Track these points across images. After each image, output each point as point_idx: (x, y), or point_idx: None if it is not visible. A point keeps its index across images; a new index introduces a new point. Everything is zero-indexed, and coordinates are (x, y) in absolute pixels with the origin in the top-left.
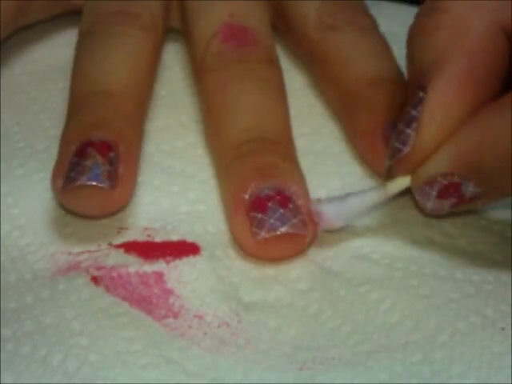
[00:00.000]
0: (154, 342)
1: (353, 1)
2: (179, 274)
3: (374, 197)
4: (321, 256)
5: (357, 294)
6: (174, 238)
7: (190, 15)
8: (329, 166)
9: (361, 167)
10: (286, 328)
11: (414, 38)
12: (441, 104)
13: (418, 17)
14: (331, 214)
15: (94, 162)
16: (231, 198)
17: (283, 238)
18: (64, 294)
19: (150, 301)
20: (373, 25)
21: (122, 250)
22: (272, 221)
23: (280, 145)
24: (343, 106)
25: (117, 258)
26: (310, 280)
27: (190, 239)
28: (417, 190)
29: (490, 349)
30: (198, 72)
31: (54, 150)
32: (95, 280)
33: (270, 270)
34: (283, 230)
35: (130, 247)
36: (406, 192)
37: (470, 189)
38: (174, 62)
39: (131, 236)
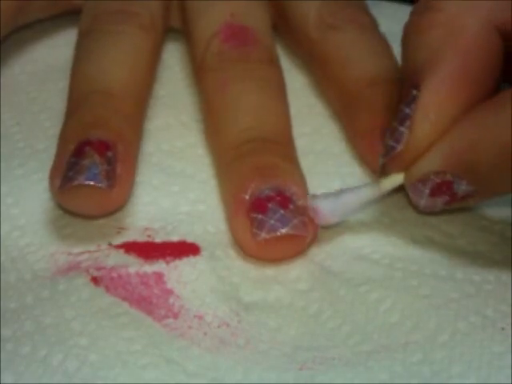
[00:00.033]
0: (154, 342)
1: (353, 0)
2: (179, 274)
3: (369, 193)
4: (321, 256)
5: (357, 294)
6: (174, 238)
7: (191, 15)
8: (329, 166)
9: (361, 167)
10: (286, 328)
11: (408, 37)
12: (434, 102)
13: (412, 15)
14: (327, 210)
15: (91, 161)
16: (231, 198)
17: (283, 239)
18: (64, 294)
19: (150, 301)
20: (373, 24)
21: (122, 251)
22: (272, 222)
23: (280, 145)
24: (343, 105)
25: (117, 258)
26: (310, 280)
27: (189, 239)
28: (410, 188)
29: (489, 349)
30: (199, 72)
31: (54, 150)
32: (95, 280)
33: (270, 270)
34: (283, 231)
35: (130, 247)
36: (401, 189)
37: (462, 187)
38: (173, 61)
39: (131, 236)
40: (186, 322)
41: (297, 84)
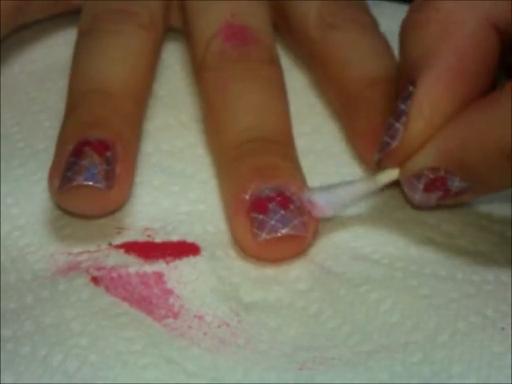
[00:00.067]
0: (154, 342)
1: (353, 0)
2: (179, 274)
3: (364, 187)
4: (321, 256)
5: (357, 294)
6: (174, 238)
7: (191, 15)
8: (329, 166)
9: (361, 167)
10: (286, 328)
11: (405, 33)
12: (429, 99)
13: (409, 12)
14: (323, 203)
15: (90, 161)
16: (231, 198)
17: (284, 240)
18: (64, 295)
19: (150, 301)
20: (374, 24)
21: (122, 251)
22: (273, 222)
23: (281, 144)
24: (343, 105)
25: (117, 258)
26: (310, 280)
27: (190, 239)
28: (405, 183)
29: (490, 349)
30: (199, 71)
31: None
32: (95, 280)
33: (270, 270)
34: (284, 231)
35: (130, 247)
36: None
37: (455, 183)
38: (173, 61)
39: (131, 236)
40: (186, 322)
41: (297, 84)
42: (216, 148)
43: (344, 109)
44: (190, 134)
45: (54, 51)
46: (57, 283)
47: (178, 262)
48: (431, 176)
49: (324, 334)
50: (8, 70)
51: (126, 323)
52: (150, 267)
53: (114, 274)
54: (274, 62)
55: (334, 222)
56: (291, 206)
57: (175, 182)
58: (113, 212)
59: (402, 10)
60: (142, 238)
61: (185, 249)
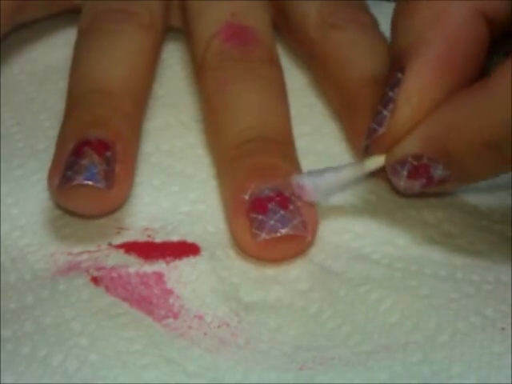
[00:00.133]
0: (154, 342)
1: (353, 0)
2: (179, 274)
3: (352, 172)
4: (320, 256)
5: (357, 294)
6: (174, 238)
7: (191, 15)
8: None
9: None
10: (286, 328)
11: (395, 21)
12: (417, 86)
13: (399, 1)
14: (311, 187)
15: (90, 161)
16: (231, 198)
17: (283, 240)
18: (64, 295)
19: (150, 301)
20: (374, 23)
21: (122, 251)
22: (272, 222)
23: (281, 144)
24: (343, 105)
25: (117, 258)
26: (310, 280)
27: (190, 239)
28: (389, 169)
29: (490, 349)
30: (199, 71)
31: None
32: (95, 280)
33: (270, 270)
34: (284, 231)
35: (130, 247)
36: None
37: (438, 171)
38: (173, 61)
39: (131, 236)
40: (186, 322)
41: (297, 83)
42: (216, 148)
43: (344, 109)
44: (190, 134)
45: (54, 51)
46: (57, 283)
47: (178, 262)
48: (414, 163)
49: (324, 334)
50: (8, 70)
51: (125, 323)
52: (149, 267)
53: (114, 274)
54: (274, 62)
55: (334, 221)
56: (291, 206)
57: (175, 182)
58: (113, 212)
59: None
60: (141, 238)
61: (185, 249)
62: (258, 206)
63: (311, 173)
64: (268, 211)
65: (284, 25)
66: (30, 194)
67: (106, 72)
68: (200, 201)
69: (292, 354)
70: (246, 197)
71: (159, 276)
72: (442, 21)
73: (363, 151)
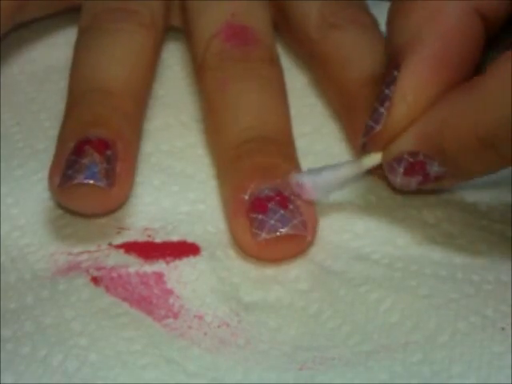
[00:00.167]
0: (153, 342)
1: (354, 0)
2: (179, 274)
3: (350, 170)
4: (320, 256)
5: (357, 294)
6: (174, 238)
7: (191, 14)
8: None
9: None
10: (286, 328)
11: (390, 20)
12: (412, 83)
13: (394, 2)
14: (310, 185)
15: (91, 160)
16: (231, 198)
17: (284, 239)
18: (64, 295)
19: (150, 301)
20: (374, 23)
21: (122, 251)
22: (272, 222)
23: (280, 144)
24: (343, 105)
25: (117, 258)
26: (310, 280)
27: (190, 239)
28: (386, 166)
29: (489, 349)
30: (199, 71)
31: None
32: (95, 280)
33: (270, 270)
34: (284, 231)
35: (130, 247)
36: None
37: (434, 168)
38: (173, 60)
39: (131, 236)
40: (186, 322)
41: (297, 83)
42: (216, 148)
43: (344, 109)
44: (190, 134)
45: (54, 51)
46: (57, 283)
47: (178, 262)
48: (410, 160)
49: (324, 334)
50: (8, 69)
51: (126, 323)
52: (150, 267)
53: (114, 274)
54: (274, 62)
55: (334, 221)
56: (290, 206)
57: (175, 182)
58: (113, 211)
59: None
60: (142, 238)
61: (185, 249)
62: (258, 205)
63: (310, 171)
64: (268, 211)
65: (284, 25)
66: (30, 194)
67: (107, 71)
68: (200, 201)
69: (292, 354)
70: (246, 197)
71: (159, 276)
72: (437, 20)
73: (361, 149)
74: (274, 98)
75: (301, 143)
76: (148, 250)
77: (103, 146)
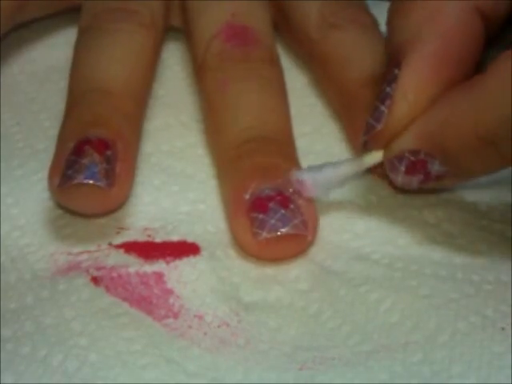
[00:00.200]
0: (153, 342)
1: (353, 0)
2: (179, 274)
3: (350, 168)
4: (321, 256)
5: (357, 294)
6: (174, 238)
7: (192, 14)
8: None
9: None
10: (286, 328)
11: (391, 19)
12: (413, 82)
13: (393, 1)
14: (310, 182)
15: (91, 160)
16: (232, 197)
17: (284, 239)
18: (64, 295)
19: (150, 301)
20: (374, 23)
21: (121, 250)
22: (273, 221)
23: (281, 144)
24: (343, 105)
25: (117, 258)
26: (310, 280)
27: (190, 239)
28: (387, 164)
29: (489, 349)
30: (199, 72)
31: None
32: (95, 280)
33: (270, 270)
34: (284, 230)
35: (130, 247)
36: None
37: (435, 167)
38: (173, 61)
39: (131, 236)
40: (186, 322)
41: (297, 83)
42: (216, 148)
43: (344, 109)
44: (190, 134)
45: (54, 51)
46: (57, 283)
47: (178, 262)
48: (412, 158)
49: (324, 334)
50: (7, 69)
51: (126, 323)
52: (150, 267)
53: (114, 274)
54: (275, 62)
55: (334, 221)
56: (291, 206)
57: (175, 182)
58: (113, 211)
59: None
60: (142, 238)
61: (185, 249)
62: (259, 205)
63: (310, 168)
64: (268, 210)
65: (284, 25)
66: (30, 194)
67: (107, 71)
68: (200, 201)
69: (292, 354)
70: (247, 196)
71: (159, 276)
72: (437, 19)
73: (361, 147)
74: (274, 98)
75: (301, 143)
76: (148, 249)
77: (103, 146)
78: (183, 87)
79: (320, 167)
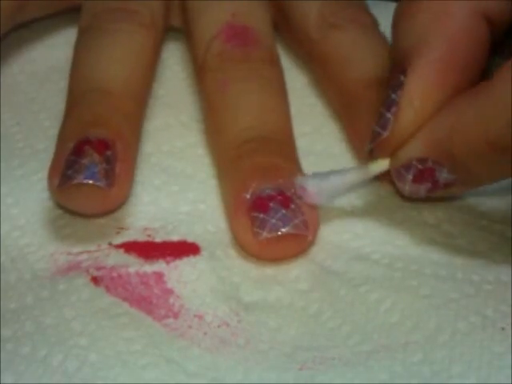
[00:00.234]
0: (154, 342)
1: (353, 0)
2: (179, 274)
3: (356, 176)
4: (321, 256)
5: (357, 294)
6: (174, 237)
7: (192, 15)
8: (329, 167)
9: None
10: (286, 328)
11: (396, 23)
12: (419, 88)
13: (400, 2)
14: (314, 190)
15: (90, 160)
16: (232, 197)
17: (285, 239)
18: (64, 294)
19: (150, 301)
20: (374, 23)
21: (121, 250)
22: (274, 221)
23: (281, 144)
24: (343, 106)
25: (117, 258)
26: (310, 280)
27: (190, 239)
28: (394, 173)
29: (489, 349)
30: (200, 71)
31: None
32: (95, 280)
33: (270, 270)
34: (285, 230)
35: (130, 247)
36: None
37: (444, 175)
38: (173, 61)
39: (131, 236)
40: (186, 322)
41: (297, 84)
42: (216, 148)
43: (344, 109)
44: (190, 134)
45: (54, 51)
46: (57, 283)
47: (178, 262)
48: (419, 167)
49: (324, 334)
50: (7, 69)
51: (126, 323)
52: (150, 267)
53: (114, 274)
54: (275, 63)
55: (334, 221)
56: (292, 206)
57: (175, 182)
58: (113, 211)
59: None
60: (141, 238)
61: (185, 248)
62: (260, 204)
63: (315, 175)
64: (269, 210)
65: (284, 25)
66: (30, 194)
67: (106, 71)
68: (200, 200)
69: (292, 354)
70: (248, 196)
71: (159, 276)
72: (443, 22)
73: (367, 155)
74: (275, 98)
75: (301, 143)
76: (148, 249)
77: (103, 146)
78: (183, 87)
79: (326, 175)
